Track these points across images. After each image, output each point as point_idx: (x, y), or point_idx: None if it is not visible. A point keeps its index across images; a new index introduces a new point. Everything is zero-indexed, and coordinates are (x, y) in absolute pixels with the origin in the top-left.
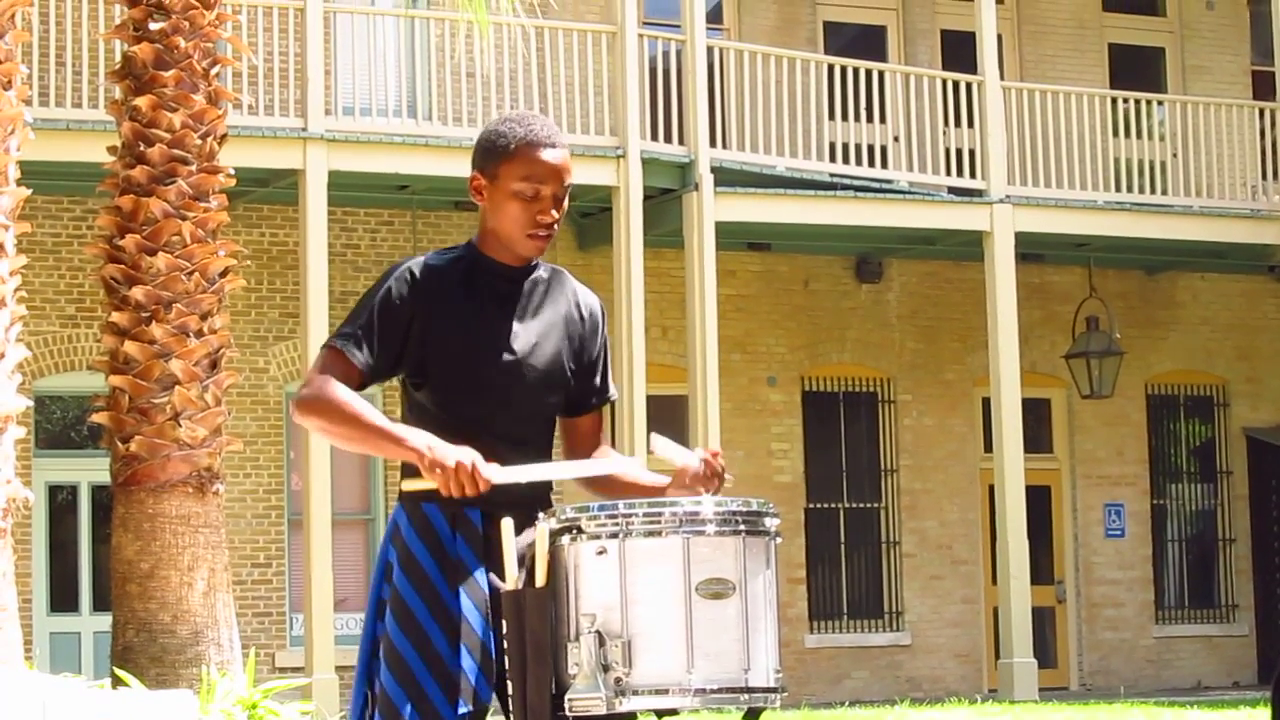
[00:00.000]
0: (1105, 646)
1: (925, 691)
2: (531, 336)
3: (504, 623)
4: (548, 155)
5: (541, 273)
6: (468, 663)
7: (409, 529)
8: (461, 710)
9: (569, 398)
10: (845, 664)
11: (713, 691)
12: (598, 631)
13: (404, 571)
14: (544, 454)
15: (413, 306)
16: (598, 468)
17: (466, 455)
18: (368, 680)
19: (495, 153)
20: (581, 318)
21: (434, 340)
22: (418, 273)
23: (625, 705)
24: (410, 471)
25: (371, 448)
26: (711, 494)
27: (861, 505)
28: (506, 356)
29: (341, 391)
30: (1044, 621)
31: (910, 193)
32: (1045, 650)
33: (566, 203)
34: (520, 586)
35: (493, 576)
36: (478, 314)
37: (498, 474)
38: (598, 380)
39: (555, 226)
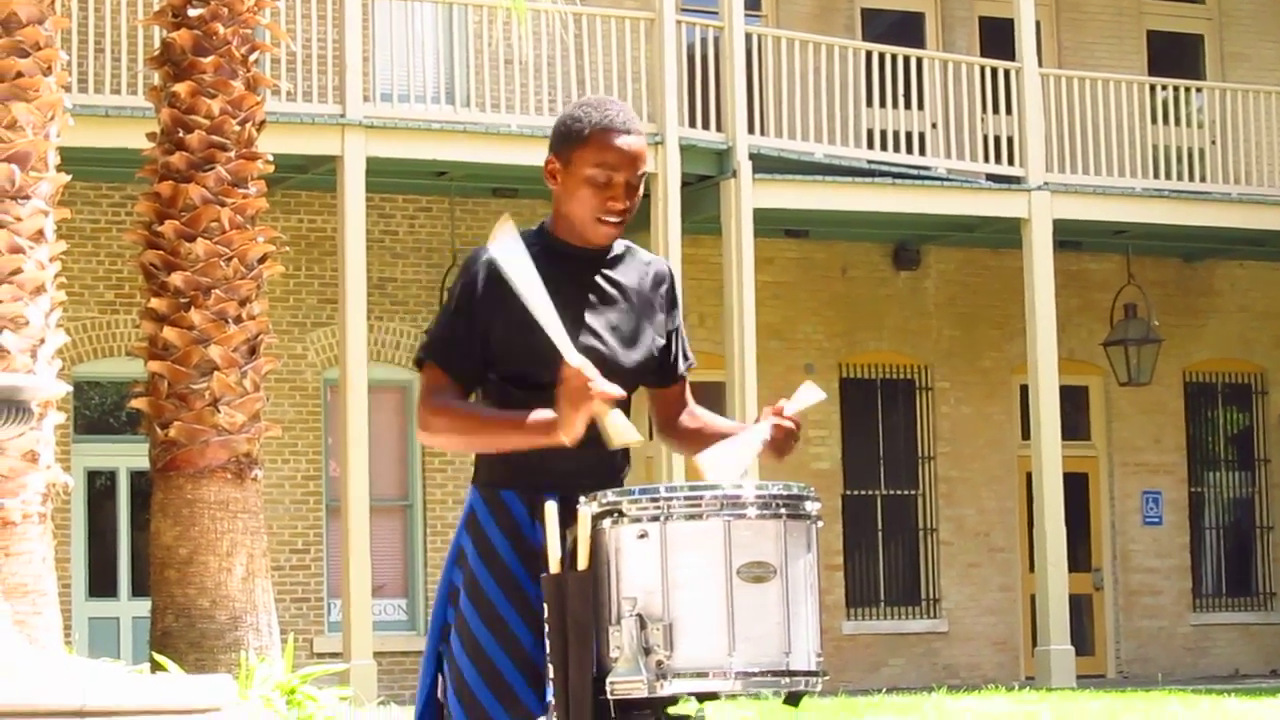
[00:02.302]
0: (1142, 634)
1: (962, 679)
2: (611, 316)
3: (546, 606)
4: (622, 142)
5: (616, 250)
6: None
7: (487, 516)
8: (548, 698)
9: (657, 370)
10: (882, 651)
11: (753, 675)
12: (639, 615)
13: (482, 560)
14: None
15: (492, 300)
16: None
17: (583, 367)
18: (437, 664)
19: (570, 137)
20: (656, 289)
21: (514, 326)
22: (494, 262)
23: (666, 688)
24: (484, 465)
25: (510, 442)
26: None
27: (899, 493)
28: (583, 339)
29: (456, 405)
30: (1081, 609)
31: (948, 180)
32: (1082, 638)
33: (640, 190)
34: (562, 570)
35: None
36: (556, 298)
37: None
38: (681, 348)
39: (628, 214)
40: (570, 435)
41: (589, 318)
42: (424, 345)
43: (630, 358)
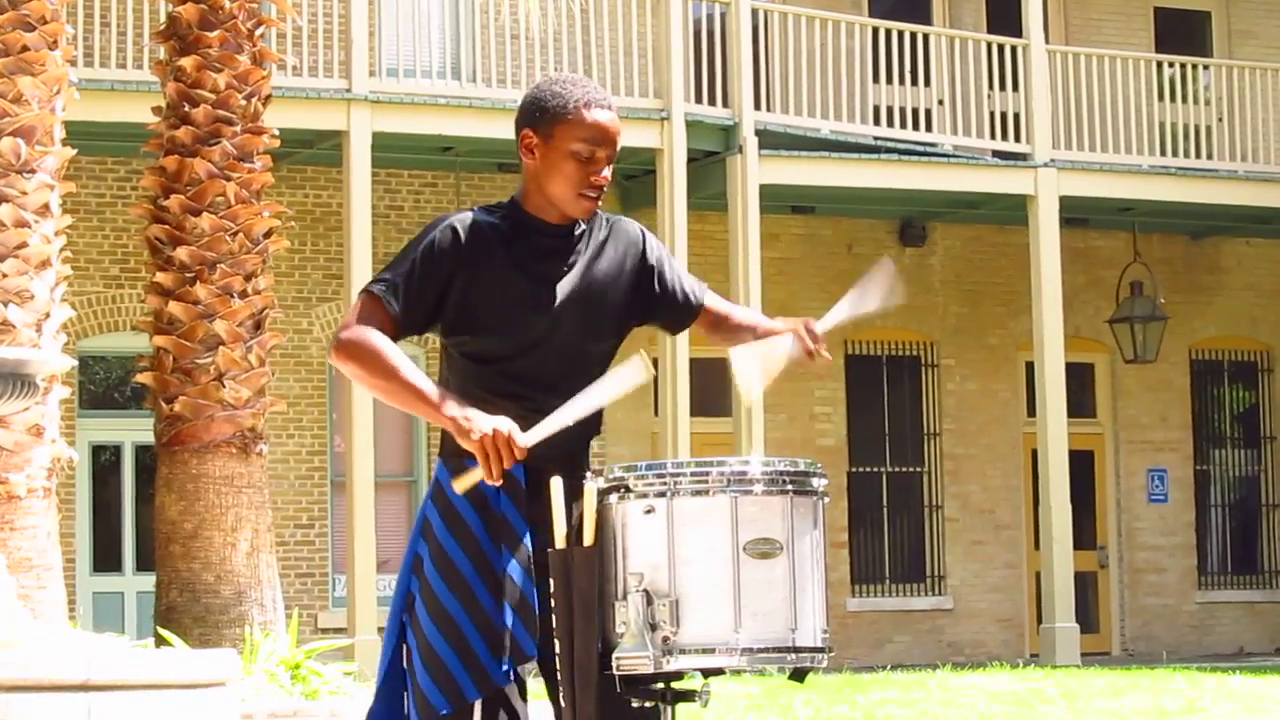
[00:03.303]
0: (1147, 612)
1: (967, 656)
2: (579, 291)
3: (552, 582)
4: (604, 117)
5: (583, 225)
6: (511, 618)
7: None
8: (505, 666)
9: (678, 315)
10: (887, 628)
11: (759, 651)
12: (645, 590)
13: (448, 528)
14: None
15: (455, 261)
16: (608, 386)
17: (503, 424)
18: (399, 633)
19: (551, 113)
20: (633, 261)
21: (477, 295)
22: (461, 228)
23: (672, 664)
24: (451, 441)
25: (406, 405)
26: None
27: (904, 469)
28: (550, 311)
29: (381, 341)
30: (1086, 587)
31: (954, 156)
32: (1087, 615)
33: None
34: (568, 545)
35: (536, 532)
36: (521, 270)
37: (532, 437)
38: (681, 286)
39: (605, 189)
40: (464, 445)
41: (559, 293)
42: (374, 279)
43: (586, 328)
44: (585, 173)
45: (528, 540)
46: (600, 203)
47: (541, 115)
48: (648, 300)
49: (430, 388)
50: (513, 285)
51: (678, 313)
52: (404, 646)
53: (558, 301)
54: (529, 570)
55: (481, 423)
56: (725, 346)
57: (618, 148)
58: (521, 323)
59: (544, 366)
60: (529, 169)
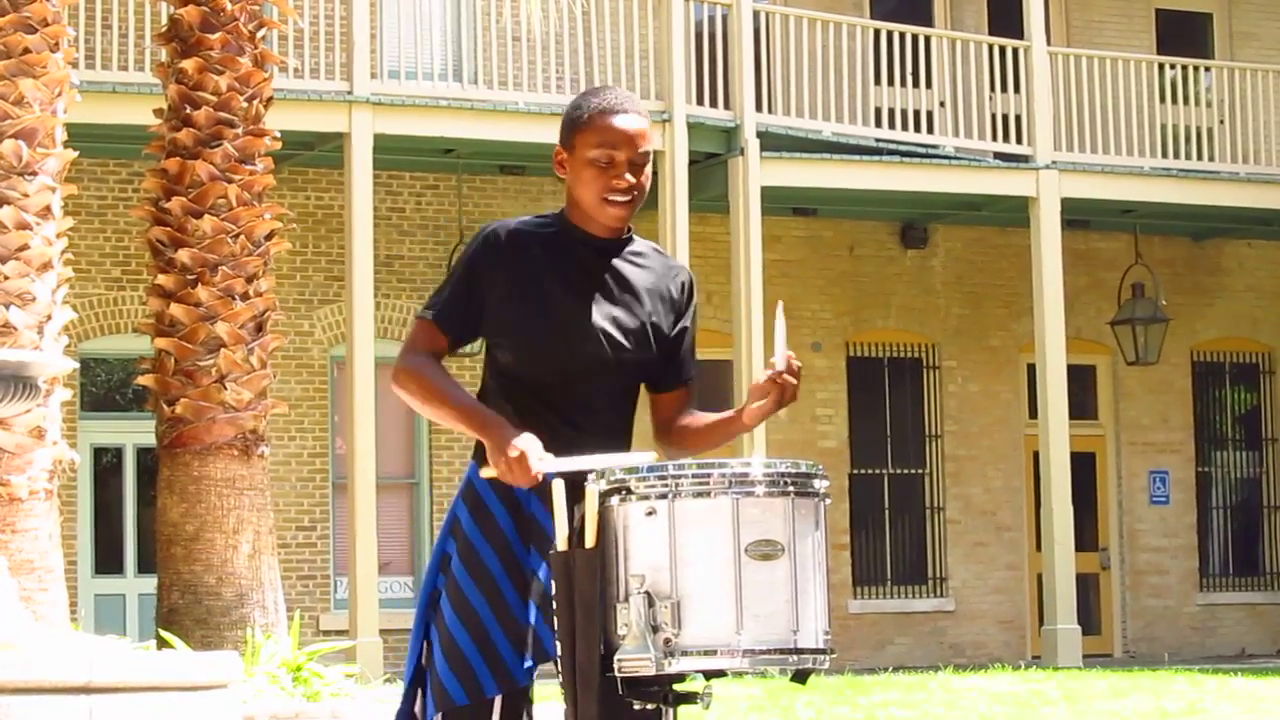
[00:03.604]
0: (1149, 614)
1: (968, 658)
2: (614, 307)
3: (554, 584)
4: (619, 121)
5: (636, 246)
6: (536, 617)
7: (484, 485)
8: (527, 664)
9: (652, 373)
10: (889, 630)
11: (761, 653)
12: (647, 592)
13: (479, 528)
14: (621, 421)
15: (494, 269)
16: (628, 459)
17: (529, 444)
18: (424, 630)
19: (572, 124)
20: (673, 295)
21: (515, 303)
22: (503, 235)
23: (674, 666)
24: (483, 447)
25: (456, 427)
26: (786, 399)
27: (906, 471)
28: (585, 324)
29: (428, 370)
30: (1088, 588)
31: (956, 158)
32: (1089, 617)
33: (649, 171)
34: (570, 547)
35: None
36: (559, 281)
37: (549, 465)
38: (679, 358)
39: (636, 193)
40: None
41: (594, 306)
42: (426, 304)
43: (620, 346)
44: (607, 177)
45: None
46: (634, 208)
47: (565, 129)
48: (663, 339)
49: (474, 407)
50: (549, 294)
51: (666, 370)
52: (426, 644)
53: (596, 313)
54: None
55: (505, 439)
56: (673, 450)
57: (642, 151)
58: (556, 331)
59: (577, 377)
60: (567, 184)
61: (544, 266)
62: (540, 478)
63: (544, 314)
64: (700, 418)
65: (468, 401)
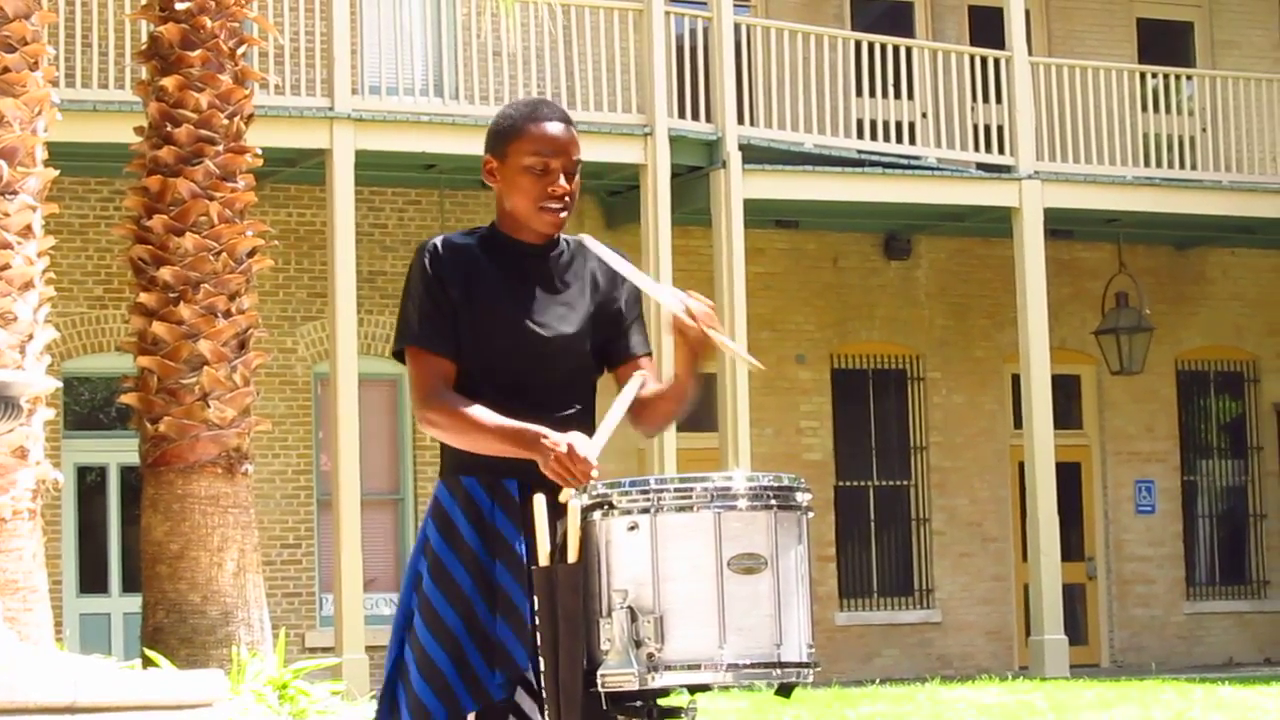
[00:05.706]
0: (1136, 623)
1: (956, 669)
2: (555, 306)
3: (536, 599)
4: (552, 129)
5: (563, 246)
6: (505, 631)
7: (450, 501)
8: (499, 679)
9: (606, 353)
10: (875, 642)
11: (745, 667)
12: (630, 607)
13: (446, 542)
14: (588, 415)
15: (446, 279)
16: (620, 401)
17: (577, 440)
18: (400, 648)
19: (503, 133)
20: (600, 279)
21: (463, 311)
22: (443, 248)
23: (657, 681)
24: (448, 455)
25: (496, 451)
26: (693, 341)
27: (891, 483)
28: (531, 326)
29: (455, 401)
30: (1074, 598)
31: (938, 169)
32: (1076, 627)
33: (578, 180)
34: (552, 563)
35: (530, 546)
36: (499, 286)
37: (594, 449)
38: (627, 335)
39: (568, 200)
40: (544, 469)
41: (528, 304)
42: (401, 333)
43: (567, 343)
44: (542, 185)
45: (522, 554)
46: (567, 215)
47: (496, 139)
48: (609, 320)
49: (507, 424)
50: (493, 300)
51: (617, 348)
52: (400, 661)
53: (538, 315)
54: (523, 583)
55: (553, 439)
56: (635, 426)
57: (575, 159)
58: (505, 336)
59: (533, 376)
60: (497, 194)
61: (484, 273)
62: (590, 467)
63: (493, 320)
64: (650, 389)
65: (499, 420)
